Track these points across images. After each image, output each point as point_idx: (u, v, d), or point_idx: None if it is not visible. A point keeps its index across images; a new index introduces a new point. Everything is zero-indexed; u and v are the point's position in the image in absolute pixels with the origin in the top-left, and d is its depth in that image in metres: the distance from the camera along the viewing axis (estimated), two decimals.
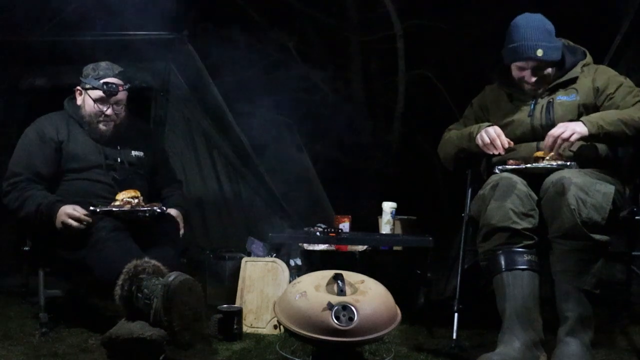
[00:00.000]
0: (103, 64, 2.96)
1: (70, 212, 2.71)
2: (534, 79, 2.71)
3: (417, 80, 7.16)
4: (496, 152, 2.68)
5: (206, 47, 4.45)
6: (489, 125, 2.74)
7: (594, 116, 2.58)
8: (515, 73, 2.76)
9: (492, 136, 2.67)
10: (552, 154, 2.58)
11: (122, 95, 2.95)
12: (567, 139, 2.51)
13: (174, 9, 4.45)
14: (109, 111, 2.92)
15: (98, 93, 2.91)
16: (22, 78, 4.40)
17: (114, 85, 2.91)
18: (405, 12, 6.77)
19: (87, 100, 2.93)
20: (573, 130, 2.51)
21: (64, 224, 2.71)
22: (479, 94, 3.00)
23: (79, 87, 2.98)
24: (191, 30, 4.40)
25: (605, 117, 2.56)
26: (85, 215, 2.72)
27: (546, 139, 2.56)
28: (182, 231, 2.99)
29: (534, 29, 2.68)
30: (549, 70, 2.72)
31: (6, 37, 4.14)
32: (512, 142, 2.69)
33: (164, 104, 4.48)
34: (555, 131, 2.54)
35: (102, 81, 2.90)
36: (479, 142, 2.70)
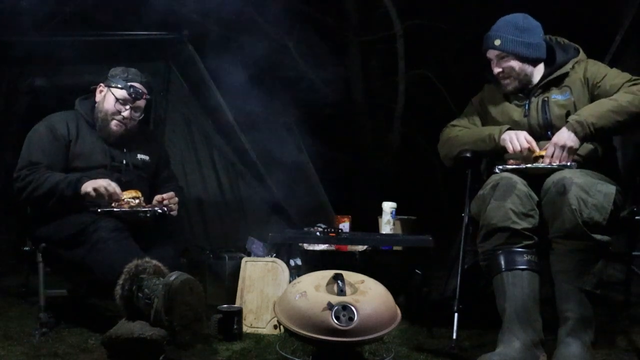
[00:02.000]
0: (133, 69, 3.03)
1: (100, 182, 2.75)
2: (498, 70, 2.77)
3: (417, 80, 7.15)
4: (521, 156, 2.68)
5: (206, 47, 4.45)
6: (509, 128, 2.74)
7: (583, 113, 2.58)
8: (491, 66, 2.82)
9: (525, 144, 2.65)
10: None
11: (142, 102, 3.00)
12: (567, 160, 2.55)
13: (174, 9, 4.45)
14: (127, 113, 2.95)
15: (123, 93, 2.95)
16: (22, 78, 4.40)
17: (140, 91, 2.97)
18: (405, 12, 6.76)
19: (108, 97, 2.96)
20: (569, 148, 2.54)
21: (96, 188, 2.74)
22: (478, 93, 3.01)
23: (102, 84, 3.00)
24: (191, 30, 4.40)
25: (595, 112, 2.56)
26: (113, 191, 2.75)
27: (546, 163, 2.57)
28: (174, 212, 2.94)
29: (501, 22, 2.77)
30: (515, 63, 2.73)
31: (6, 37, 4.14)
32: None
33: (164, 104, 4.49)
34: (554, 156, 2.56)
35: (130, 84, 2.95)
36: (510, 145, 2.67)
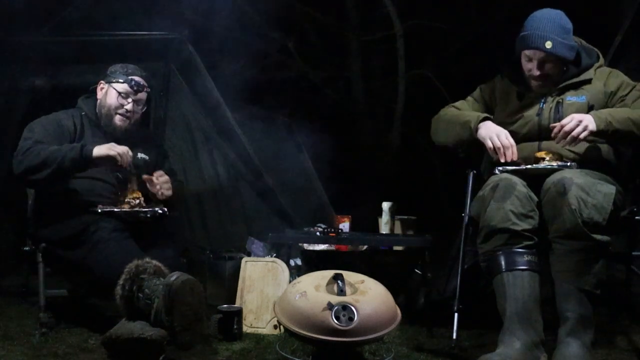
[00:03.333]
0: (131, 65, 3.06)
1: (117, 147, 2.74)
2: (538, 73, 2.68)
3: (417, 80, 7.15)
4: (501, 159, 2.62)
5: (206, 47, 4.45)
6: (485, 118, 2.71)
7: (603, 112, 2.57)
8: (524, 64, 2.74)
9: (506, 144, 2.61)
10: (552, 154, 2.58)
11: (143, 95, 3.02)
12: (578, 136, 2.50)
13: (174, 9, 4.45)
14: (129, 106, 2.97)
15: (124, 87, 2.97)
16: (22, 78, 4.40)
17: (141, 83, 3.00)
18: (405, 12, 6.76)
19: (110, 92, 2.98)
20: (585, 126, 2.49)
21: (117, 151, 2.72)
22: (488, 81, 2.96)
23: (102, 82, 3.02)
24: (191, 30, 4.40)
25: (615, 114, 2.55)
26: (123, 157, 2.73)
27: (556, 128, 2.53)
28: (169, 192, 2.94)
29: (548, 21, 2.64)
30: (558, 67, 2.69)
31: (6, 37, 4.14)
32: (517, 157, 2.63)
33: (164, 104, 4.48)
34: (568, 125, 2.51)
35: (130, 77, 2.98)
36: (489, 143, 2.64)
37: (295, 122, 5.43)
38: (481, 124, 2.70)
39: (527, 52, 2.69)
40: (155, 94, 4.46)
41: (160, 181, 2.94)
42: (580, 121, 2.51)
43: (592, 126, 2.51)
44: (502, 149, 2.62)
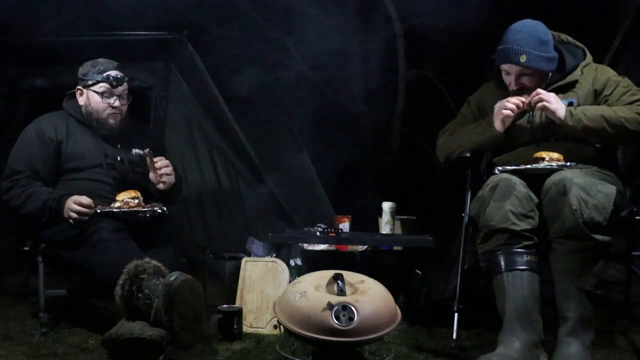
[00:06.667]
0: (101, 59, 2.98)
1: (73, 207, 2.72)
2: (515, 87, 2.69)
3: (417, 80, 7.16)
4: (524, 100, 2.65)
5: (206, 47, 4.45)
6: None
7: (579, 108, 2.58)
8: (504, 77, 2.75)
9: (516, 101, 2.64)
10: (552, 154, 2.58)
11: (125, 86, 2.98)
12: (541, 106, 2.58)
13: (173, 9, 4.45)
14: (117, 103, 2.93)
15: (104, 86, 2.92)
16: (22, 78, 4.40)
17: (119, 76, 2.94)
18: (405, 12, 6.77)
19: (92, 97, 2.94)
20: (554, 109, 2.56)
21: (71, 218, 2.73)
22: (476, 91, 2.99)
23: (79, 87, 2.98)
24: (191, 30, 4.41)
25: (588, 112, 2.56)
26: (87, 206, 2.72)
27: (535, 92, 2.60)
28: (171, 177, 2.95)
29: (523, 34, 2.64)
30: (535, 78, 2.68)
31: (6, 37, 4.15)
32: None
33: (164, 104, 4.48)
34: (544, 96, 2.57)
35: (105, 74, 2.92)
36: (506, 111, 2.65)
37: (295, 122, 5.43)
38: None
39: (504, 66, 2.71)
40: (156, 94, 4.47)
41: (160, 164, 2.92)
42: (553, 104, 2.56)
43: (559, 115, 2.55)
44: (518, 104, 2.64)
